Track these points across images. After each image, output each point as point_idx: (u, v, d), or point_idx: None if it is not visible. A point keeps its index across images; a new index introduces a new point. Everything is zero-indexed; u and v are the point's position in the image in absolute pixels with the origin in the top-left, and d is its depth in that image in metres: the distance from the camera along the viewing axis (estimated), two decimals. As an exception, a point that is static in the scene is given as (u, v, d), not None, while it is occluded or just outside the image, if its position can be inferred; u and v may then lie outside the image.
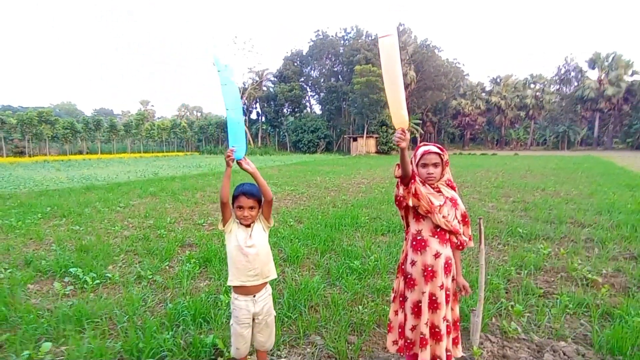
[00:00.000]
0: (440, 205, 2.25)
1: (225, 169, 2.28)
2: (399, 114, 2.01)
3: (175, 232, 6.64)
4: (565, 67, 70.00)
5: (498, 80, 70.21)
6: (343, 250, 5.41)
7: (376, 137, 48.66)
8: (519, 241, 6.04)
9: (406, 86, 53.08)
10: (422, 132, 58.71)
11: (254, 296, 2.37)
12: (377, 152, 48.07)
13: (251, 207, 2.31)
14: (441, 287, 2.26)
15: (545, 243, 5.81)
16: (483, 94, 69.78)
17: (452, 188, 2.37)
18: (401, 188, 2.23)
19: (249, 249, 2.30)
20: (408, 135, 2.01)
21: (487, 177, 16.25)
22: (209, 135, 58.77)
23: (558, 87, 71.50)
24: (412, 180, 2.19)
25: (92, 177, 17.67)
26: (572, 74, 69.23)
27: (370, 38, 56.02)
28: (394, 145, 47.36)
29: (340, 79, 56.20)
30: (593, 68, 63.74)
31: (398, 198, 2.28)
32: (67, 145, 45.76)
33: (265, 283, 2.44)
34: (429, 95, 56.79)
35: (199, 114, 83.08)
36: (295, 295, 3.79)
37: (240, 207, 2.31)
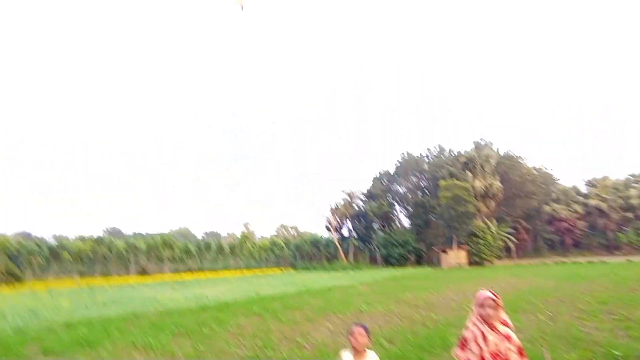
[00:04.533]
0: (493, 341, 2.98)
1: None
2: None
3: (282, 352, 7.64)
4: (671, 165, 62.24)
5: (594, 182, 64.98)
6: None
7: (467, 249, 46.84)
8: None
9: (493, 196, 52.00)
10: (516, 240, 54.89)
11: None
12: (469, 263, 45.79)
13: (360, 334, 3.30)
14: None
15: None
16: (579, 197, 64.40)
17: (507, 326, 3.07)
18: None
19: None
20: None
21: (590, 291, 14.83)
22: (303, 253, 61.64)
23: (668, 185, 63.18)
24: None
25: (203, 296, 19.90)
26: (683, 171, 61.10)
27: (452, 154, 57.95)
28: (485, 256, 44.71)
29: (427, 192, 57.56)
30: None
31: None
32: (181, 264, 51.70)
33: None
34: (517, 203, 55.04)
35: (294, 233, 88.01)
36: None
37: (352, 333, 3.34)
